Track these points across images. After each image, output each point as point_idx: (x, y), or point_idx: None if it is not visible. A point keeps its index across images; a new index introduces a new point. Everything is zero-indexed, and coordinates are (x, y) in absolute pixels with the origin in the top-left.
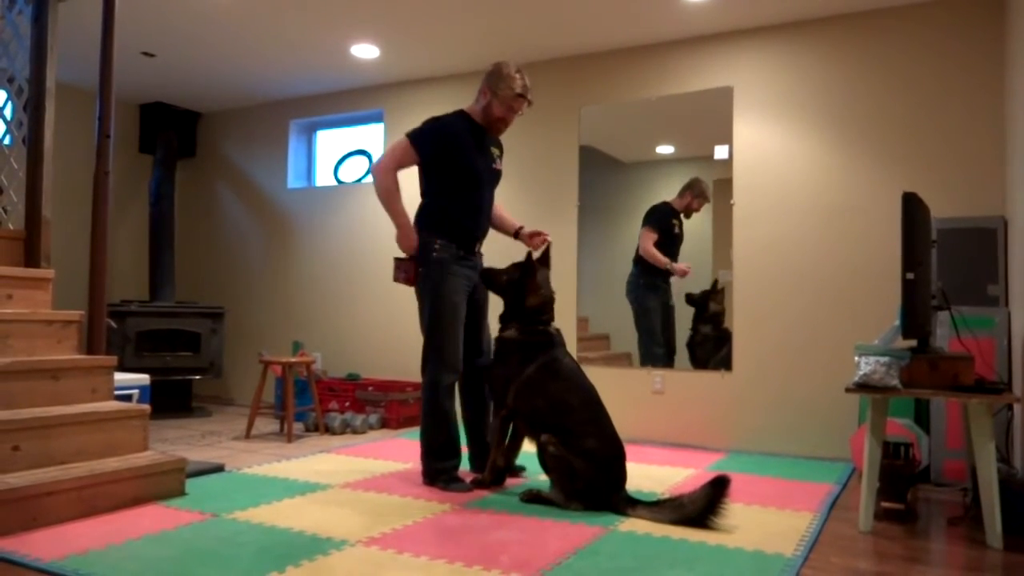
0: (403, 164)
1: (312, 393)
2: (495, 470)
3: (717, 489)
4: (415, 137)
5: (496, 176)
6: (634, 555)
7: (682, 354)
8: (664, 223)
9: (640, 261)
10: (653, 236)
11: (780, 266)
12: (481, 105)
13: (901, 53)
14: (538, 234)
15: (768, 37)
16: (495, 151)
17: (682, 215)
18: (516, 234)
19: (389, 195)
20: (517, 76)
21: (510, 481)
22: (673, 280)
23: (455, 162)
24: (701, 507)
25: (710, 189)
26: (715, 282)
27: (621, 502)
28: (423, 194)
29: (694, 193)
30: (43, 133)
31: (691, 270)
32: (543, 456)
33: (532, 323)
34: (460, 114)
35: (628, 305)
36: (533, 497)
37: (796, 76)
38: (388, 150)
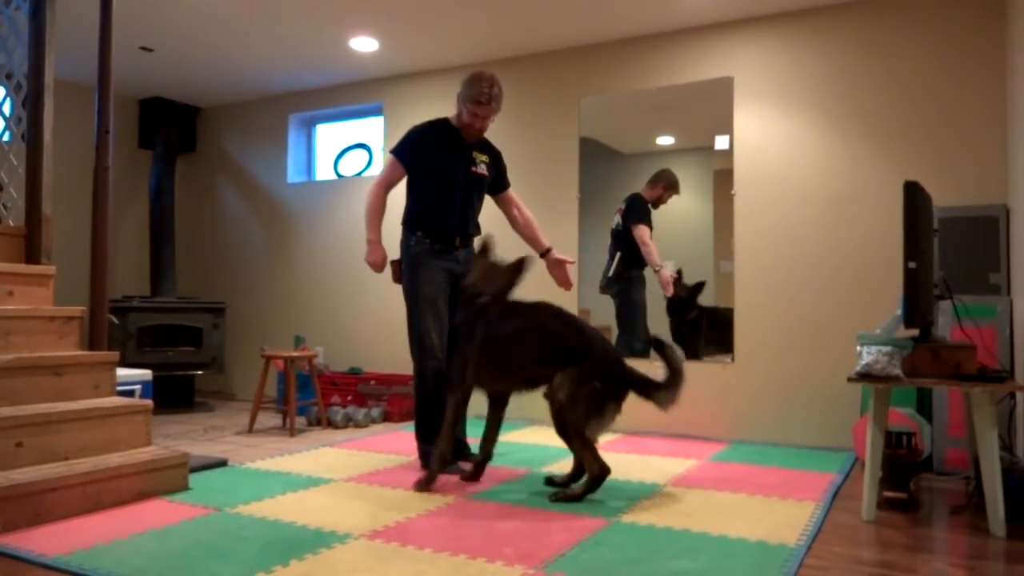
0: (393, 179)
1: (314, 387)
2: (443, 460)
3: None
4: (396, 151)
5: (478, 180)
6: (637, 546)
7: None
8: (649, 215)
9: (626, 254)
10: (648, 230)
11: (782, 256)
12: (456, 111)
13: (902, 40)
14: (560, 265)
15: (768, 26)
16: (480, 156)
17: (650, 206)
18: (543, 254)
19: (369, 210)
20: (483, 84)
21: (514, 474)
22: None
23: (427, 164)
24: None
25: (713, 180)
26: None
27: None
28: (406, 196)
29: (665, 184)
30: (42, 129)
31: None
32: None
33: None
34: (441, 121)
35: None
36: (564, 498)
37: (797, 65)
38: (381, 170)
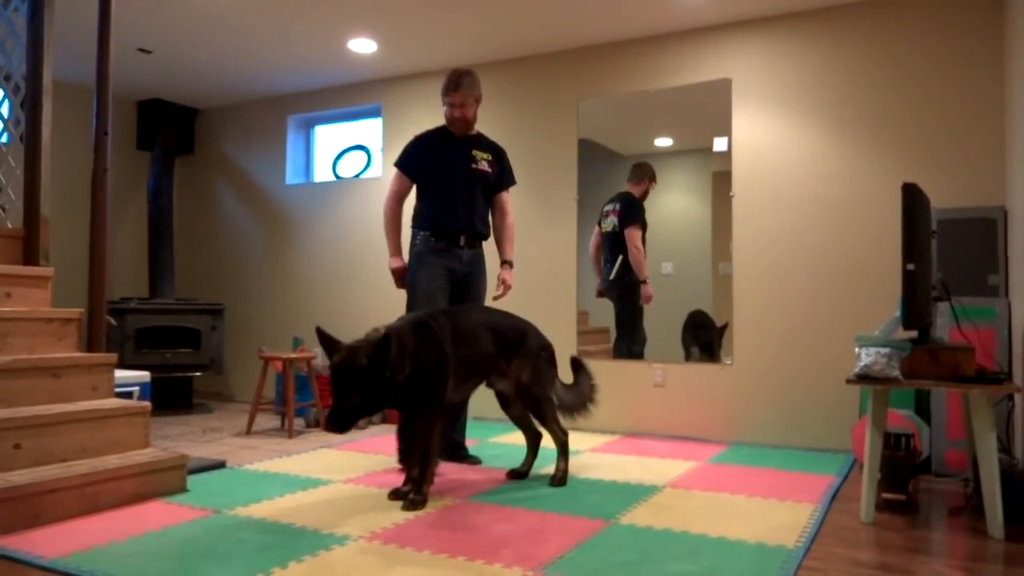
0: (401, 190)
1: (313, 389)
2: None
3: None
4: (397, 163)
5: (480, 177)
6: (636, 548)
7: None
8: (644, 216)
9: (628, 257)
10: (640, 233)
11: (780, 258)
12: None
13: (900, 43)
14: (504, 280)
15: (766, 28)
16: (480, 154)
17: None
18: (502, 263)
19: (385, 224)
20: (451, 75)
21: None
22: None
23: (427, 167)
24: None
25: (709, 180)
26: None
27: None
28: (416, 199)
29: (649, 177)
30: (41, 131)
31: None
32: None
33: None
34: (437, 128)
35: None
36: (560, 480)
37: (795, 67)
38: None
